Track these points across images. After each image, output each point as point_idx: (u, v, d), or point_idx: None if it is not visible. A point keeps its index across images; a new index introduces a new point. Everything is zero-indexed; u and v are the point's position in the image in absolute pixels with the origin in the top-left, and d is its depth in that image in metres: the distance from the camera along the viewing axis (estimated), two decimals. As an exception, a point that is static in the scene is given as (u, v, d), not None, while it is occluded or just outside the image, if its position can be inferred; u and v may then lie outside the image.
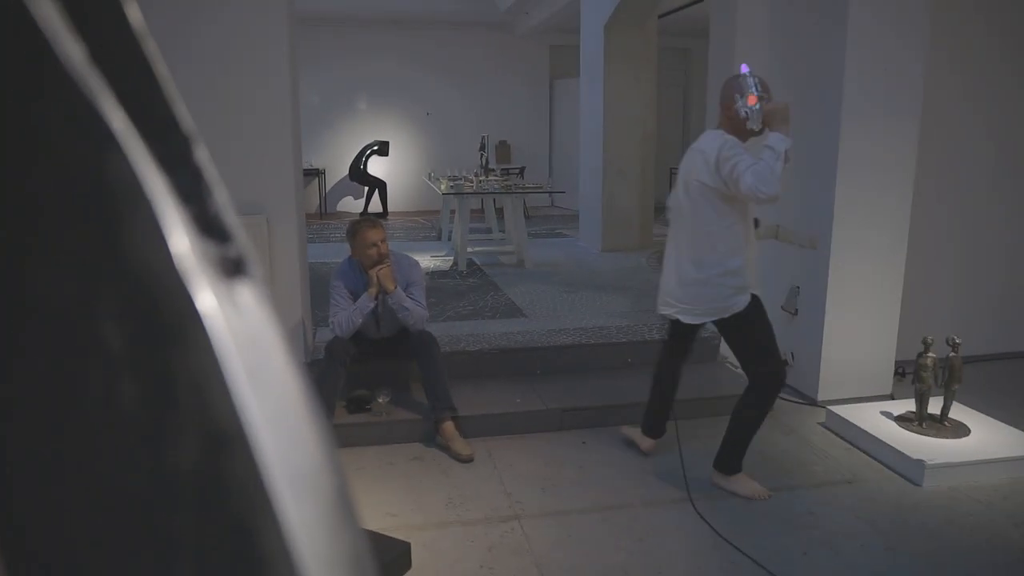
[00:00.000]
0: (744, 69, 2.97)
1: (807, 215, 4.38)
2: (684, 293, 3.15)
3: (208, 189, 0.32)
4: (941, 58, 4.53)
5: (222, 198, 0.33)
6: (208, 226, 0.30)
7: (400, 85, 11.69)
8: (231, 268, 0.28)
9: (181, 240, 0.26)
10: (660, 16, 8.02)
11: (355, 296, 3.70)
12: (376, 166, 11.40)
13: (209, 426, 0.23)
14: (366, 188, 11.43)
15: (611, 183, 7.89)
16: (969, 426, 3.79)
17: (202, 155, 0.34)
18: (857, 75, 4.05)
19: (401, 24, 11.33)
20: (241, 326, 0.25)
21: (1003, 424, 3.83)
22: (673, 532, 2.97)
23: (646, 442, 3.63)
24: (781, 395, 4.37)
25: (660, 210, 11.33)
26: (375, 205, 11.35)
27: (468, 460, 3.54)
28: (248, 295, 0.28)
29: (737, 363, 3.39)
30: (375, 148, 11.14)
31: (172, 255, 0.25)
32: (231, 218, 0.32)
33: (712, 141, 2.97)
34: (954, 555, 2.83)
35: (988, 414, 3.94)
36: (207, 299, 0.25)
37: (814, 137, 4.29)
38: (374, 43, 11.46)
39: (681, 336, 3.36)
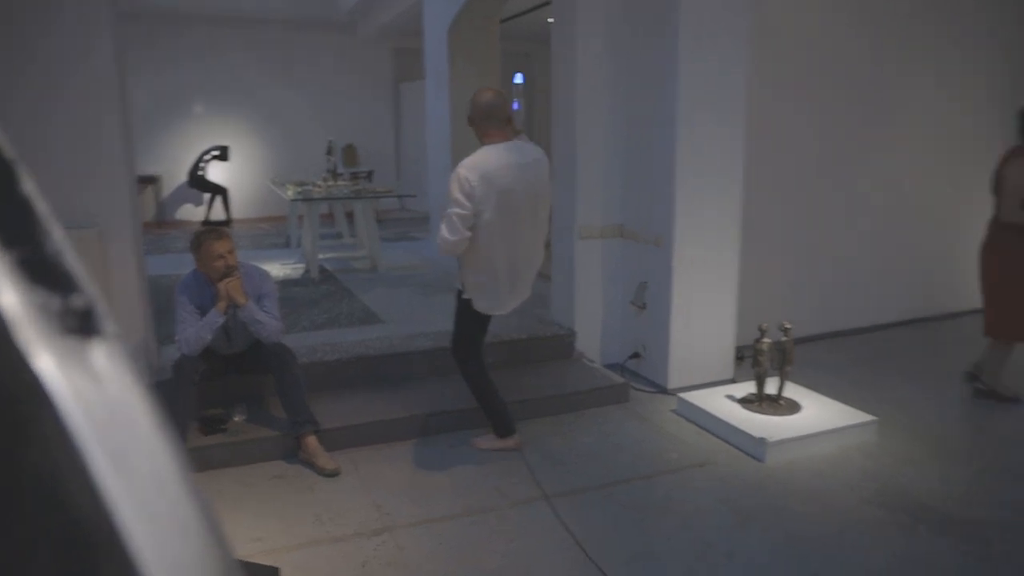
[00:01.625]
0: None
1: (651, 215, 4.58)
2: (529, 288, 3.62)
3: (41, 226, 0.26)
4: (765, 65, 4.88)
5: (59, 236, 0.27)
6: (44, 272, 0.25)
7: (240, 87, 11.15)
8: (78, 323, 0.23)
9: (7, 292, 0.21)
10: (501, 21, 8.13)
11: (203, 311, 3.49)
12: (217, 172, 10.83)
13: (68, 532, 0.18)
14: (207, 195, 10.85)
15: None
16: (801, 403, 4.11)
17: (29, 185, 0.28)
18: (688, 83, 4.28)
19: (240, 23, 10.80)
20: (98, 398, 0.21)
21: (829, 399, 4.20)
22: (544, 530, 3.01)
23: (514, 439, 3.69)
24: (635, 385, 4.58)
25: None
26: (217, 212, 10.81)
27: (334, 474, 3.43)
28: (103, 356, 0.23)
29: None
30: (215, 153, 10.58)
31: None
32: (72, 261, 0.26)
33: (539, 151, 3.45)
34: (798, 523, 3.06)
35: (817, 390, 4.30)
36: (50, 368, 0.20)
37: (653, 141, 4.50)
38: (211, 42, 10.86)
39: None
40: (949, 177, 5.96)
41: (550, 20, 5.08)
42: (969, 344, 4.82)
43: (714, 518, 3.12)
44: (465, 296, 3.51)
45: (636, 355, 4.80)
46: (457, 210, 3.22)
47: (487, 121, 3.34)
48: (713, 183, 4.46)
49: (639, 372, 4.80)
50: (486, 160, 3.25)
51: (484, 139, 3.36)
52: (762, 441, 3.65)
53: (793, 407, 4.07)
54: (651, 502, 3.25)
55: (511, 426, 3.70)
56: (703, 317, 4.58)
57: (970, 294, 5.17)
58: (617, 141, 4.76)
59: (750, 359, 4.20)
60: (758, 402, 4.09)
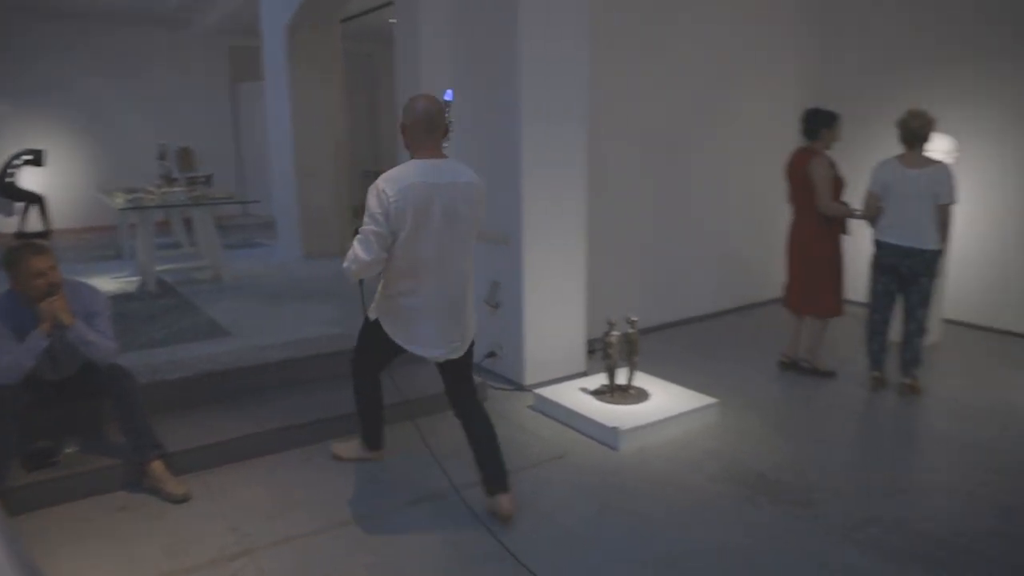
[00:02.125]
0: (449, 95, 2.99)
1: (499, 214, 4.66)
2: (468, 327, 3.13)
3: None
4: (603, 68, 5.10)
5: None
6: None
7: (57, 84, 10.24)
8: None
9: None
10: (342, 21, 7.98)
11: (22, 335, 3.18)
12: (31, 178, 9.89)
13: None
14: (20, 204, 9.88)
15: (306, 188, 7.71)
16: (650, 391, 4.35)
17: None
18: (531, 82, 4.39)
19: (57, 14, 9.90)
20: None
21: (675, 385, 4.46)
22: (408, 536, 3.00)
23: (379, 452, 3.63)
24: (492, 384, 4.65)
25: (361, 212, 11.38)
26: (34, 223, 9.89)
27: (184, 500, 3.24)
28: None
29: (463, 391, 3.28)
30: (27, 158, 9.65)
31: None
32: None
33: (473, 173, 3.04)
34: (653, 506, 3.24)
35: (663, 378, 4.56)
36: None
37: (500, 141, 4.58)
38: (20, 34, 9.88)
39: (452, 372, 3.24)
40: (768, 175, 6.49)
41: (392, 20, 5.05)
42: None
43: (575, 508, 3.24)
44: (372, 317, 3.15)
45: (492, 354, 4.88)
46: (373, 227, 2.84)
47: (428, 132, 2.94)
48: (558, 180, 4.60)
49: (496, 371, 4.88)
50: (409, 174, 2.86)
51: (416, 152, 2.96)
52: (615, 430, 3.83)
53: (642, 395, 4.29)
54: (516, 497, 3.31)
55: (382, 441, 3.62)
56: (554, 313, 4.73)
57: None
58: (466, 140, 4.80)
59: (601, 352, 4.39)
60: (610, 393, 4.28)
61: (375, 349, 3.23)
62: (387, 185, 2.83)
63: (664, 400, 4.26)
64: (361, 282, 3.20)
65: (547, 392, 4.36)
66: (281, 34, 7.45)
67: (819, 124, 4.70)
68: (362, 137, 12.35)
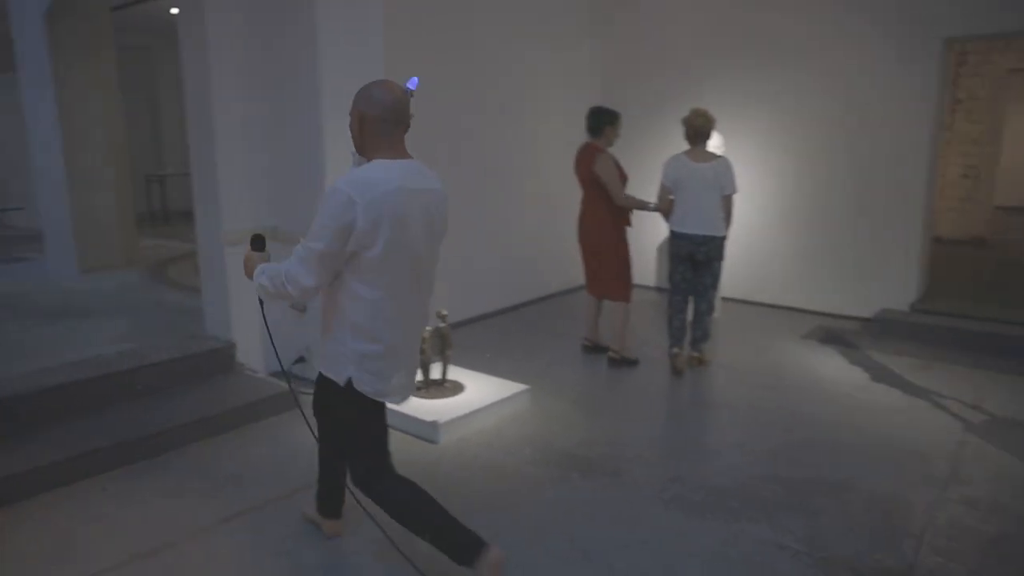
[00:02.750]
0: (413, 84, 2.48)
1: (302, 214, 4.51)
2: (416, 365, 2.71)
3: None
4: (402, 67, 5.08)
5: None
6: None
7: None
8: None
9: None
10: (113, 9, 7.30)
11: None
12: None
13: None
14: None
15: (80, 195, 6.98)
16: (465, 383, 4.42)
17: None
18: (330, 67, 4.28)
19: None
20: None
21: (488, 376, 4.58)
22: (228, 557, 2.83)
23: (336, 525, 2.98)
24: (304, 390, 4.49)
25: (146, 220, 10.47)
26: None
27: (-56, 554, 2.81)
28: None
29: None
30: None
31: None
32: None
33: (436, 178, 2.53)
34: (475, 494, 3.29)
35: (476, 369, 4.65)
36: None
37: (298, 134, 4.44)
38: None
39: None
40: (561, 170, 6.84)
41: (174, 11, 4.70)
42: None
43: (398, 505, 3.21)
44: (352, 378, 2.40)
45: (302, 359, 4.72)
46: (322, 245, 2.21)
47: (396, 125, 2.36)
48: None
49: (306, 376, 4.72)
50: (384, 178, 2.26)
51: (376, 151, 2.36)
52: (434, 424, 3.85)
53: (458, 388, 4.35)
54: (335, 503, 3.23)
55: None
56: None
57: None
58: (261, 137, 4.59)
59: (414, 348, 4.38)
60: (426, 388, 4.29)
61: (368, 421, 2.51)
62: (355, 191, 2.20)
63: (478, 391, 4.34)
64: (261, 303, 2.59)
65: (362, 393, 4.29)
66: (39, 21, 6.67)
67: (603, 122, 5.00)
68: (143, 138, 11.40)
